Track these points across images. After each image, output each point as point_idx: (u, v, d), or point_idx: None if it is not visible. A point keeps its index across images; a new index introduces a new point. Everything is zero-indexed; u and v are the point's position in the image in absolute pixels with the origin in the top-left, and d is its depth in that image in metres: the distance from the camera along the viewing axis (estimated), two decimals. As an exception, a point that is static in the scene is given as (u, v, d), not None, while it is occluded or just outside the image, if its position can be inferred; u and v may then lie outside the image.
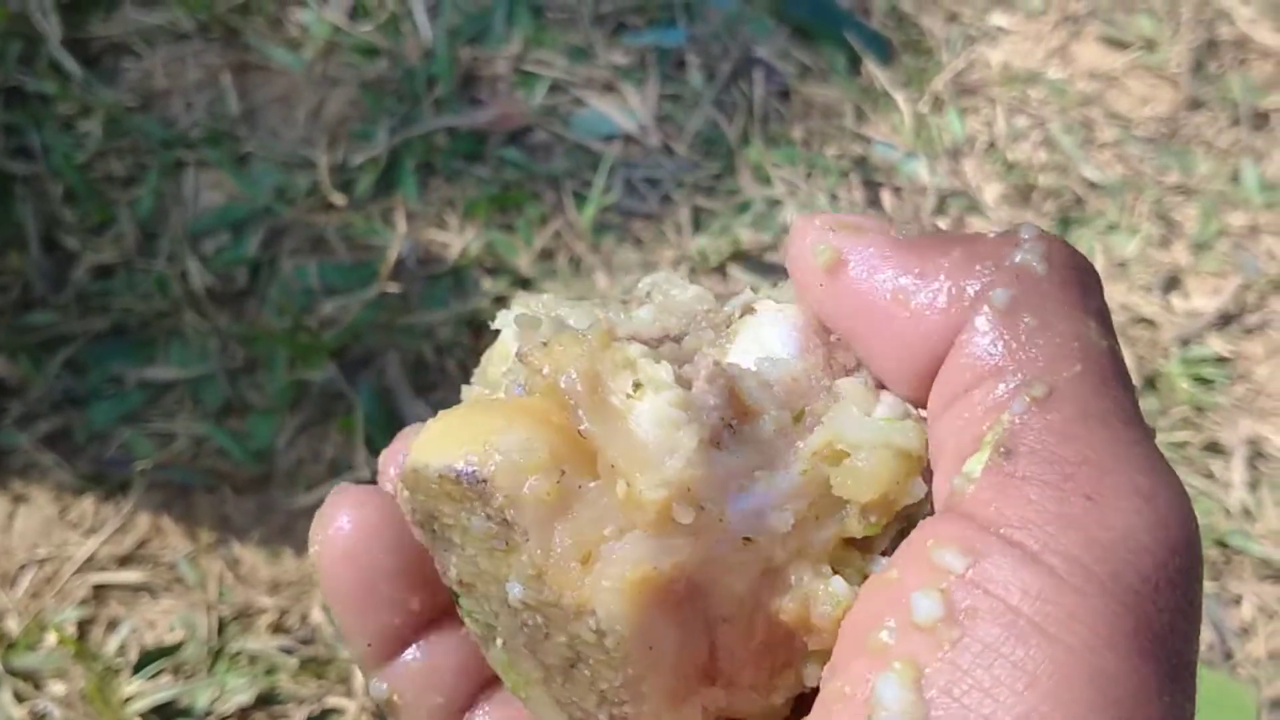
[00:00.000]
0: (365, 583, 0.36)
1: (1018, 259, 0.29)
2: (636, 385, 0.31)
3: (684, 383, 0.31)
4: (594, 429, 0.30)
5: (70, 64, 1.35)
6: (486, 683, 0.38)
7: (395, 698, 0.37)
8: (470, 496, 0.31)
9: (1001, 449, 0.27)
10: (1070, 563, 0.25)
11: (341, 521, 0.36)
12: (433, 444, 0.32)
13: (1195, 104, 1.62)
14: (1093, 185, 1.52)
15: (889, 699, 0.25)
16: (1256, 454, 1.36)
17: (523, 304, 0.38)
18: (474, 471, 0.30)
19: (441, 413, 0.34)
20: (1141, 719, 0.25)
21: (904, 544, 0.29)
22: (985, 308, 0.28)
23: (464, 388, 0.39)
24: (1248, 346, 1.44)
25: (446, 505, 0.32)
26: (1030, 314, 0.28)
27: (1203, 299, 1.46)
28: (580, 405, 0.30)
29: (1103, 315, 0.30)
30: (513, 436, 0.30)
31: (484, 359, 0.39)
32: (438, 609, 0.37)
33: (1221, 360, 1.41)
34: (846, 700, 0.27)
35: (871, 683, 0.26)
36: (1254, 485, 1.33)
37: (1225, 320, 1.45)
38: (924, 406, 0.31)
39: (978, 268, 0.29)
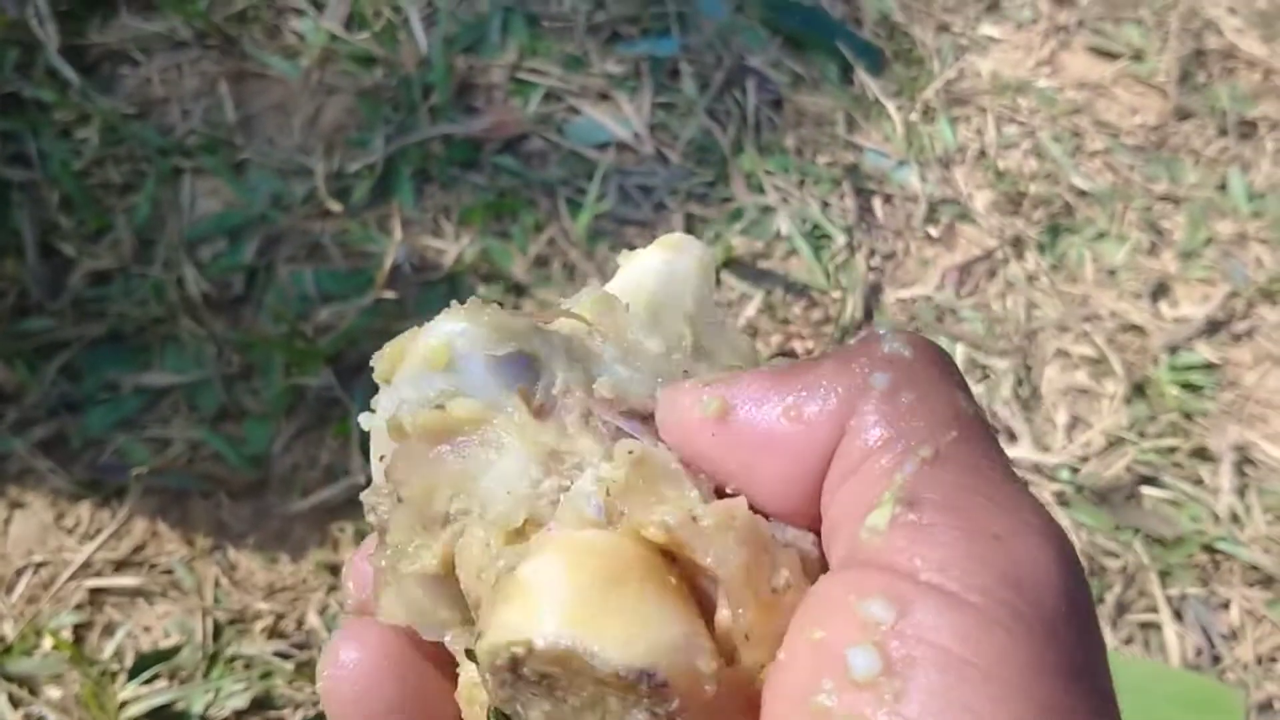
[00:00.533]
0: (369, 717, 0.37)
1: (885, 349, 0.31)
2: (787, 585, 0.31)
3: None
4: (751, 618, 0.31)
5: (68, 71, 1.36)
6: None
7: None
8: (637, 693, 0.30)
9: (904, 501, 0.28)
10: (992, 600, 0.26)
11: (348, 656, 0.38)
12: (579, 623, 0.29)
13: (1183, 113, 1.64)
14: (1082, 193, 1.54)
15: None
16: (1244, 460, 1.37)
17: (466, 317, 0.37)
18: (656, 676, 0.29)
19: (545, 567, 0.31)
20: None
21: (816, 600, 0.29)
22: (871, 392, 0.30)
23: (365, 416, 0.38)
24: (1235, 353, 1.45)
25: (584, 683, 0.30)
26: (907, 390, 0.30)
27: (1191, 306, 1.48)
28: (735, 595, 0.31)
29: (966, 389, 0.32)
30: (678, 630, 0.30)
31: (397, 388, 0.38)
32: None
33: (1210, 367, 1.43)
34: None
35: None
36: (1242, 491, 1.35)
37: (1213, 327, 1.46)
38: (817, 522, 0.32)
39: (854, 366, 0.31)
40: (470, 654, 0.34)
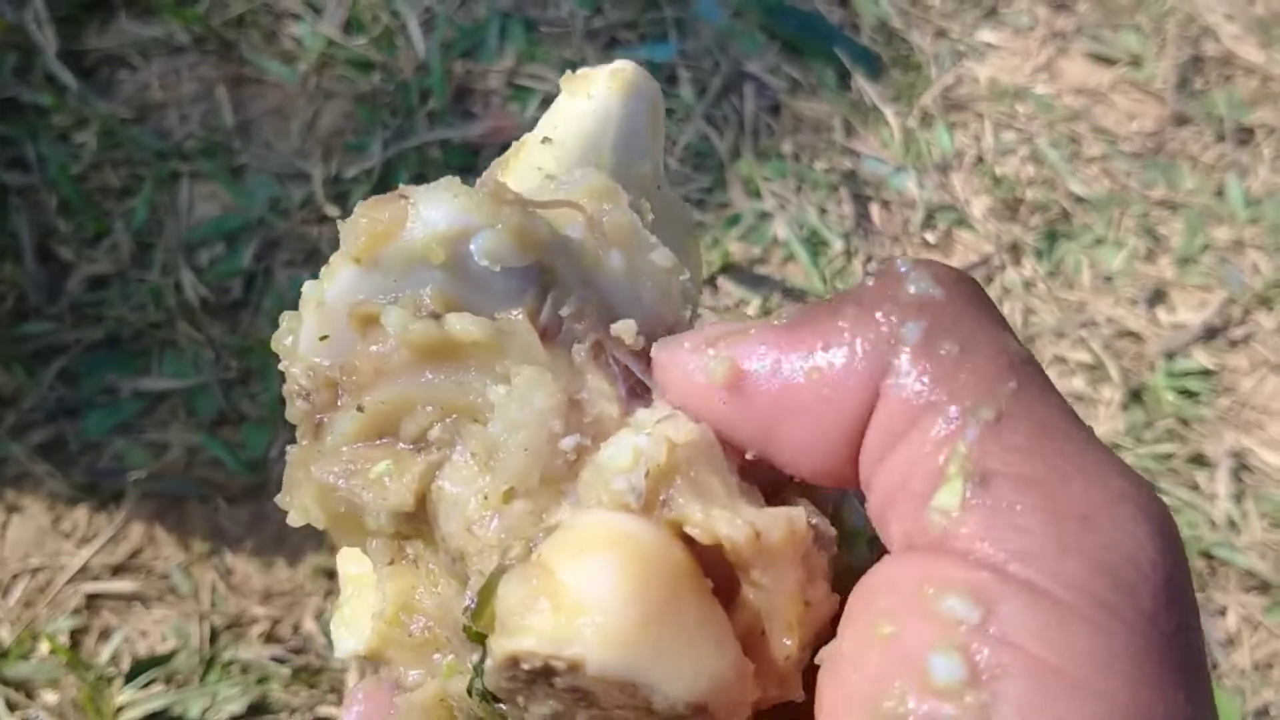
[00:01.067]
0: None
1: (912, 290, 0.28)
2: (824, 598, 0.29)
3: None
4: (790, 634, 0.28)
5: (66, 76, 1.36)
6: None
7: None
8: (676, 716, 0.28)
9: (974, 477, 0.25)
10: (1084, 596, 0.23)
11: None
12: (640, 652, 0.27)
13: (1181, 119, 1.64)
14: (1079, 199, 1.54)
15: None
16: (1241, 466, 1.37)
17: (481, 212, 0.32)
18: (707, 709, 0.27)
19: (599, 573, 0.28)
20: None
21: (883, 588, 0.26)
22: (902, 348, 0.27)
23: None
24: (1232, 360, 1.46)
25: (621, 702, 0.28)
26: (947, 339, 0.27)
27: (1188, 312, 1.48)
28: (780, 616, 0.28)
29: (1002, 319, 0.28)
30: (729, 660, 0.28)
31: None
32: None
33: (1206, 373, 1.43)
34: None
35: None
36: (1238, 497, 1.35)
37: (1210, 334, 1.46)
38: (855, 486, 0.29)
39: (878, 315, 0.27)
40: (467, 630, 0.30)
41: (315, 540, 1.16)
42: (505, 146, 1.39)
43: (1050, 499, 0.24)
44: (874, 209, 1.49)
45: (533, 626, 0.27)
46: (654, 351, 0.31)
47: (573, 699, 0.28)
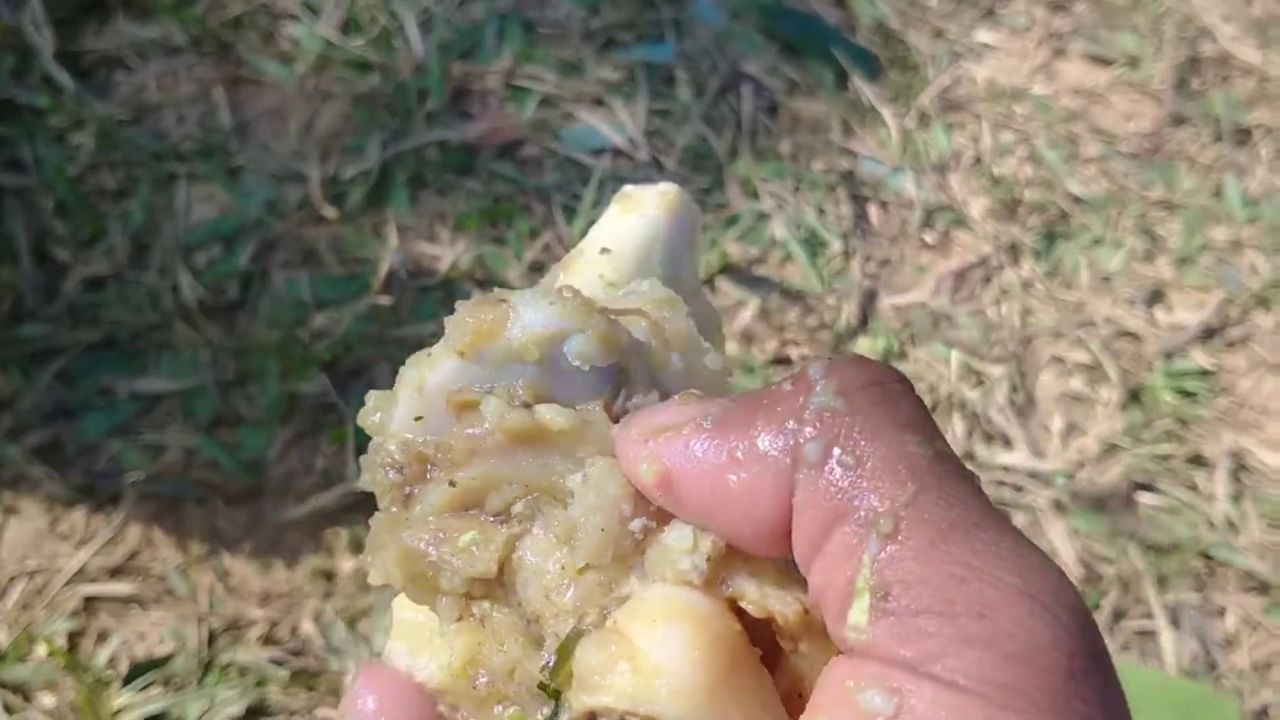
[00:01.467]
0: None
1: (815, 404, 0.29)
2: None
3: None
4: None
5: (63, 77, 1.36)
6: None
7: None
8: None
9: (878, 592, 0.27)
10: (991, 685, 0.25)
11: (366, 702, 0.38)
12: (704, 714, 0.30)
13: (1178, 120, 1.65)
14: (1077, 200, 1.54)
15: None
16: (1239, 466, 1.37)
17: (575, 319, 0.36)
18: None
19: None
20: None
21: (820, 690, 0.29)
22: (802, 466, 0.29)
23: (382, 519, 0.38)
24: (1230, 360, 1.46)
25: None
26: (844, 453, 0.29)
27: (1186, 313, 1.48)
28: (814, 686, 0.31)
29: (917, 422, 0.30)
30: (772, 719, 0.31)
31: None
32: None
33: (1205, 373, 1.43)
34: None
35: None
36: (1237, 498, 1.35)
37: (1208, 334, 1.46)
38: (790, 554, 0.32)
39: (788, 424, 0.30)
40: (544, 687, 0.33)
41: (312, 543, 1.15)
42: (503, 148, 1.38)
43: (947, 602, 0.26)
44: (872, 209, 1.49)
45: (613, 685, 0.30)
46: (613, 432, 0.34)
47: None
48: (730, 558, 0.32)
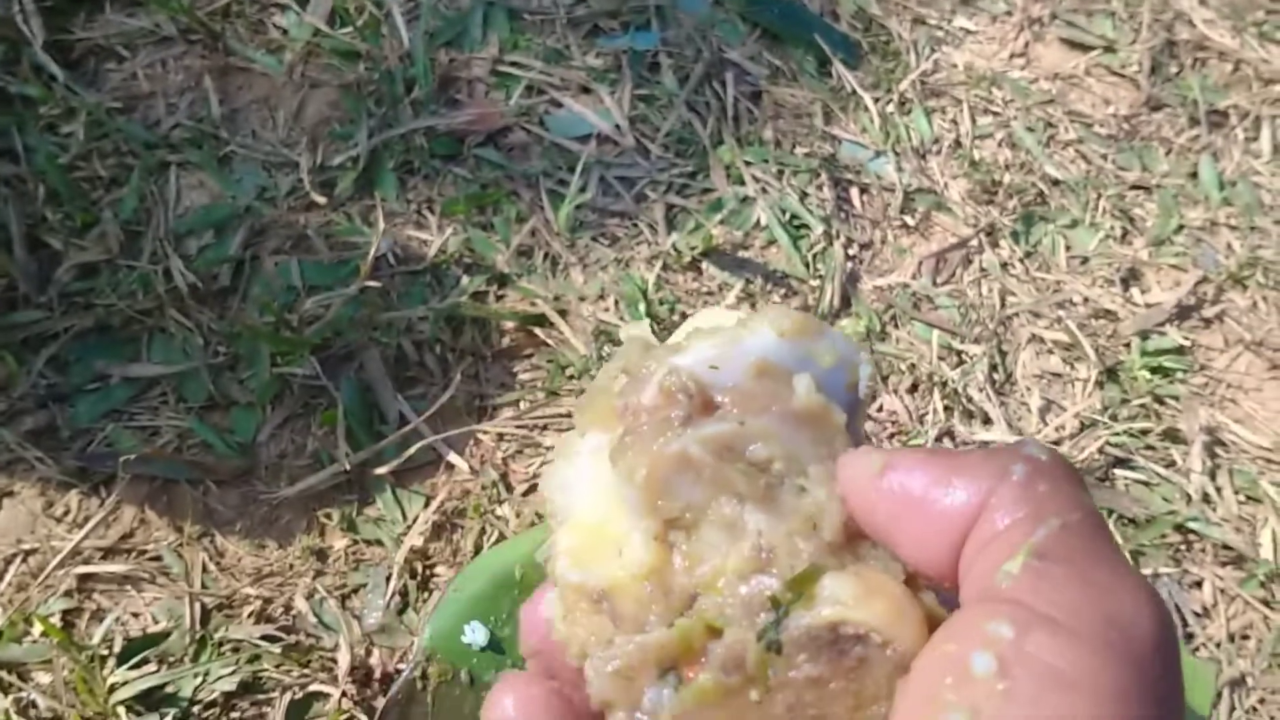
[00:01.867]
0: None
1: (1026, 451, 0.37)
2: None
3: None
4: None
5: (53, 67, 1.37)
6: None
7: None
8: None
9: (1035, 554, 0.33)
10: (1093, 634, 0.31)
11: (505, 705, 0.43)
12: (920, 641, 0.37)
13: (1155, 103, 1.67)
14: (1055, 182, 1.56)
15: None
16: (1215, 441, 1.39)
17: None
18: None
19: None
20: None
21: (952, 624, 0.35)
22: (1010, 479, 0.36)
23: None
24: (1206, 338, 1.48)
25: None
26: (1042, 481, 0.36)
27: (1162, 292, 1.50)
28: None
29: (1088, 491, 0.38)
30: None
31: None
32: None
33: (1181, 351, 1.46)
34: None
35: None
36: (1213, 472, 1.37)
37: (1184, 313, 1.49)
38: (952, 582, 0.38)
39: (998, 459, 0.36)
40: (775, 601, 0.38)
41: (304, 522, 1.17)
42: (490, 134, 1.40)
43: (1082, 573, 0.33)
44: (854, 193, 1.51)
45: (872, 608, 0.37)
46: (840, 460, 0.40)
47: (840, 671, 0.37)
48: (915, 579, 0.39)
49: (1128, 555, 0.41)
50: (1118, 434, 1.37)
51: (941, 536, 0.37)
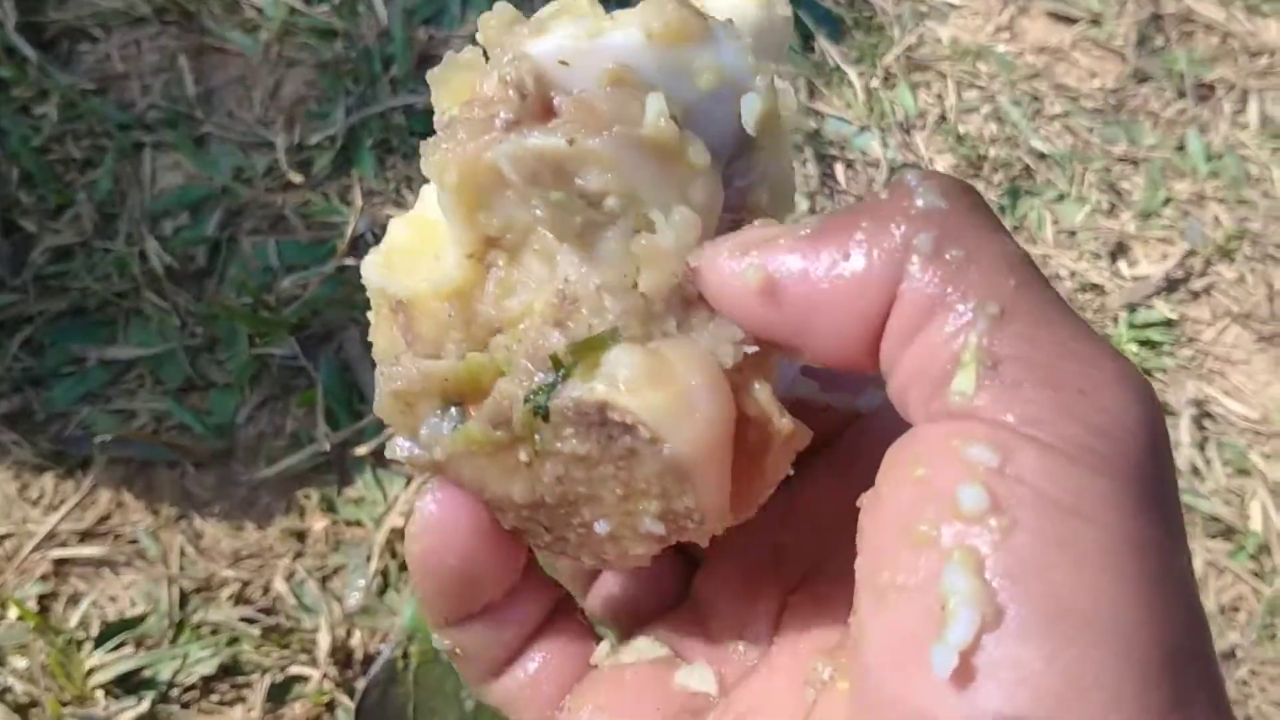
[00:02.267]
0: (424, 546, 0.39)
1: (920, 204, 0.31)
2: None
3: None
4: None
5: (26, 49, 1.35)
6: (537, 624, 0.42)
7: (456, 650, 0.41)
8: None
9: (986, 363, 0.29)
10: (1085, 450, 0.28)
11: (430, 507, 0.40)
12: (693, 447, 0.34)
13: (1141, 76, 1.66)
14: (1042, 156, 1.55)
15: (957, 587, 0.27)
16: (1204, 414, 1.39)
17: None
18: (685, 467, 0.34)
19: None
20: (1173, 571, 0.28)
21: (915, 442, 0.31)
22: (914, 256, 0.31)
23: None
24: (1193, 310, 1.47)
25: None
26: (954, 247, 0.31)
27: (1150, 265, 1.49)
28: None
29: (1002, 225, 0.32)
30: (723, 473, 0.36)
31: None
32: (491, 569, 0.41)
33: (1168, 324, 1.45)
34: (904, 591, 0.29)
35: (933, 572, 0.28)
36: (1202, 445, 1.36)
37: (1172, 285, 1.48)
38: (875, 371, 0.33)
39: (891, 226, 0.31)
40: (555, 360, 0.34)
41: (283, 503, 1.16)
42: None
43: (1052, 377, 0.29)
44: (839, 169, 1.50)
45: (645, 397, 0.32)
46: (693, 260, 0.34)
47: (609, 456, 0.34)
48: (756, 365, 0.34)
49: (1092, 330, 0.31)
50: (1105, 407, 1.36)
51: (852, 335, 0.32)
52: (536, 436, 0.35)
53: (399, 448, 0.38)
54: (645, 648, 0.40)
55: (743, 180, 0.36)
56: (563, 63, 0.34)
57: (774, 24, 0.40)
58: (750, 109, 0.34)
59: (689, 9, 0.34)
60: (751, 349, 0.34)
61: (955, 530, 0.28)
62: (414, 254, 0.37)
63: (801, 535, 0.42)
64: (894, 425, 0.37)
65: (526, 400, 0.34)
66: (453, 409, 0.36)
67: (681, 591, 0.44)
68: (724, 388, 0.34)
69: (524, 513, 0.37)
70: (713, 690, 0.39)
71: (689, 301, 0.34)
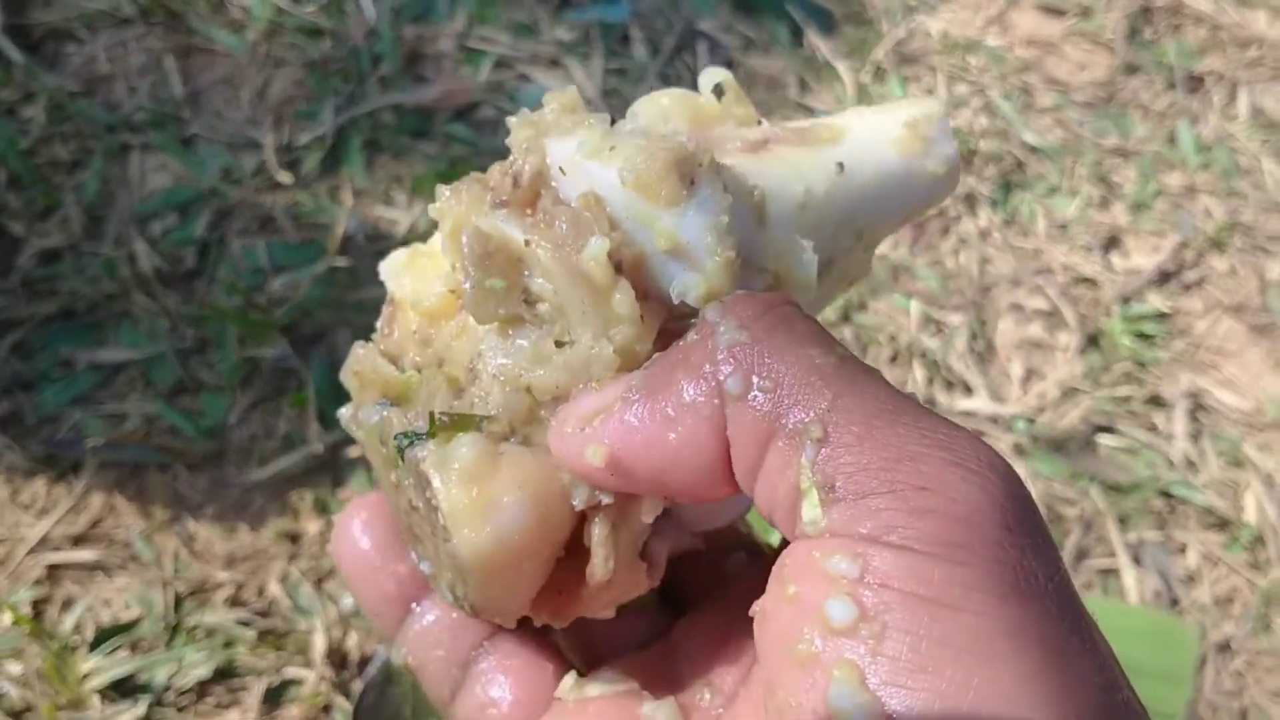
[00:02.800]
0: (362, 557, 0.43)
1: (722, 343, 0.32)
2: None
3: None
4: None
5: (12, 51, 1.34)
6: (485, 637, 0.43)
7: (410, 661, 0.43)
8: None
9: (823, 488, 0.30)
10: (940, 545, 0.28)
11: (351, 520, 0.44)
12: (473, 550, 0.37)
13: (1131, 69, 1.66)
14: (1033, 149, 1.55)
15: (844, 703, 0.27)
16: (1197, 406, 1.39)
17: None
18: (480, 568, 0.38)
19: None
20: (1059, 649, 0.28)
21: (787, 562, 0.31)
22: (729, 401, 0.32)
23: None
24: (1186, 302, 1.47)
25: None
26: (760, 377, 0.32)
27: (1142, 257, 1.49)
28: None
29: (814, 335, 0.33)
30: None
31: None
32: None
33: (1161, 316, 1.45)
34: (799, 711, 0.29)
35: (819, 690, 0.28)
36: (1195, 437, 1.36)
37: (1164, 277, 1.48)
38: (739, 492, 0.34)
39: (702, 374, 0.32)
40: (432, 420, 0.38)
41: (276, 505, 1.15)
42: (459, 110, 1.38)
43: (889, 482, 0.29)
44: (830, 164, 1.49)
45: (454, 488, 0.35)
46: (550, 429, 0.37)
47: (430, 519, 0.37)
48: (616, 509, 0.37)
49: (923, 413, 0.32)
50: (1100, 400, 1.36)
51: (702, 477, 0.33)
52: (395, 469, 0.39)
53: (343, 414, 0.43)
54: (611, 681, 0.41)
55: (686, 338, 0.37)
56: (561, 170, 0.37)
57: (914, 177, 0.41)
58: (684, 286, 0.36)
59: (675, 170, 0.35)
60: (606, 499, 0.36)
61: (832, 645, 0.28)
62: (426, 267, 0.41)
63: None
64: None
65: (395, 437, 0.38)
66: (388, 405, 0.40)
67: (655, 634, 0.45)
68: (541, 512, 0.36)
69: (404, 517, 0.41)
70: None
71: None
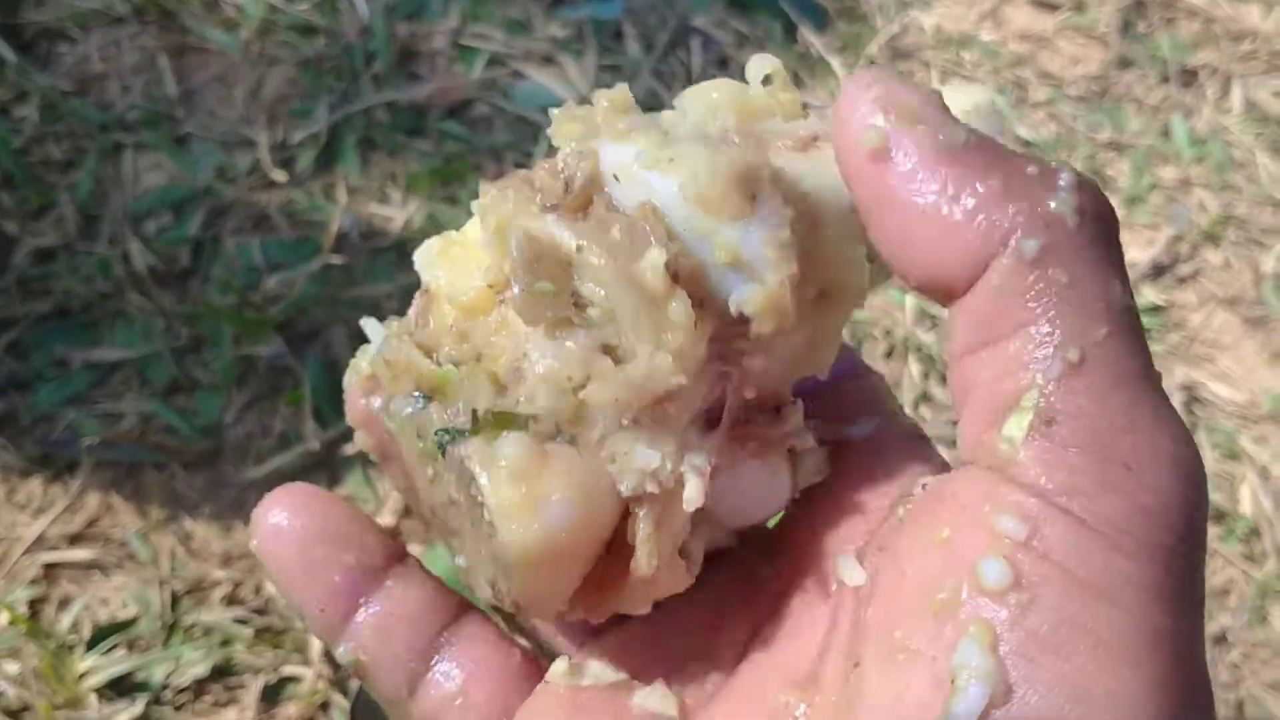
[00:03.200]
0: (300, 550, 0.40)
1: (1052, 206, 0.29)
2: None
3: None
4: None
5: (4, 51, 1.34)
6: (445, 625, 0.41)
7: (361, 657, 0.40)
8: None
9: (1043, 416, 0.28)
10: (1118, 530, 0.27)
11: (274, 513, 0.41)
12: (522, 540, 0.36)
13: (1125, 63, 1.66)
14: (1027, 143, 1.55)
15: (971, 661, 0.27)
16: (1192, 399, 1.39)
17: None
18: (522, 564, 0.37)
19: None
20: (1189, 666, 0.28)
21: (945, 498, 0.30)
22: (1015, 254, 0.29)
23: None
24: (1181, 295, 1.47)
25: None
26: (1059, 268, 0.29)
27: (1137, 251, 1.49)
28: None
29: (1124, 272, 0.31)
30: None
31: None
32: (380, 559, 0.41)
33: (1156, 309, 1.45)
34: (915, 655, 0.29)
35: (947, 642, 0.28)
36: (1191, 429, 1.37)
37: (1159, 271, 1.48)
38: (931, 296, 0.32)
39: (1011, 208, 0.29)
40: (475, 416, 0.37)
41: (274, 503, 1.15)
42: (453, 107, 1.37)
43: (1102, 446, 0.28)
44: (824, 159, 1.49)
45: (502, 485, 0.35)
46: (847, 78, 0.33)
47: (473, 514, 0.37)
48: (660, 503, 0.36)
49: (1164, 403, 0.30)
50: (1094, 393, 1.36)
51: (929, 267, 0.30)
52: (432, 465, 0.39)
53: (373, 402, 0.42)
54: (601, 672, 0.40)
55: (747, 343, 0.37)
56: (615, 177, 0.36)
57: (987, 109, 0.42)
58: (742, 298, 0.35)
59: (738, 185, 0.34)
60: (652, 488, 0.36)
61: (975, 603, 0.28)
62: (467, 256, 0.40)
63: (780, 568, 0.41)
64: (883, 456, 0.38)
65: (436, 432, 0.38)
66: (421, 398, 0.39)
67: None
68: (588, 509, 0.36)
69: (432, 511, 0.41)
70: (673, 713, 0.38)
71: (634, 419, 0.36)
